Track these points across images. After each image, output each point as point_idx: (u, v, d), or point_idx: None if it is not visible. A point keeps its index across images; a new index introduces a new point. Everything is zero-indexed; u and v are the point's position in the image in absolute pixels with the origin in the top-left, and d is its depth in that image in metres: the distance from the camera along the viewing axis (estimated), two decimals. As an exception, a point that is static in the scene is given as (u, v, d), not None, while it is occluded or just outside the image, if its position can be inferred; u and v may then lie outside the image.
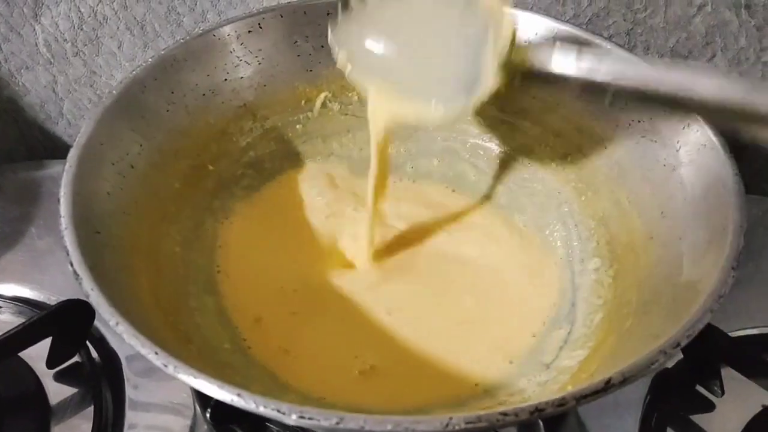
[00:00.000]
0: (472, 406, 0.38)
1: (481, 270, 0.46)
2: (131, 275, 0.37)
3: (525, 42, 0.42)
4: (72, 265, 0.32)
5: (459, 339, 0.42)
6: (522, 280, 0.46)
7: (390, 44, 0.40)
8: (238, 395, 0.27)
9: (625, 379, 0.28)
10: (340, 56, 0.42)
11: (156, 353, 0.29)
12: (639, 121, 0.43)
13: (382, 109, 0.42)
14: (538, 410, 0.27)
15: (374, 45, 0.40)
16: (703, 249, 0.36)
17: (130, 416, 0.46)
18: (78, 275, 0.32)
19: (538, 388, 0.38)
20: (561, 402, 0.27)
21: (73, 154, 0.37)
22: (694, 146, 0.39)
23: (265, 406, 0.27)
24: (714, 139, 0.38)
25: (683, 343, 0.29)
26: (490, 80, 0.39)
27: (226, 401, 0.27)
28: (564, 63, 0.39)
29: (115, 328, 0.30)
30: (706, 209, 0.37)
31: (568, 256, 0.46)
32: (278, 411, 0.27)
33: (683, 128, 0.40)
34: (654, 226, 0.40)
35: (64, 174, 0.36)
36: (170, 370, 0.28)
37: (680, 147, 0.40)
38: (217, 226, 0.47)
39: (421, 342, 0.42)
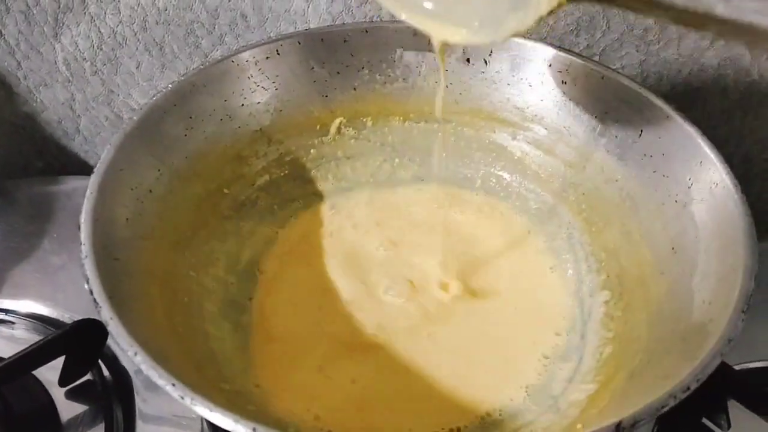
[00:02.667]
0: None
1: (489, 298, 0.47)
2: (148, 301, 0.37)
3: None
4: (92, 293, 0.33)
5: (465, 368, 0.43)
6: (532, 308, 0.46)
7: None
8: (254, 430, 0.28)
9: (636, 422, 0.28)
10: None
11: (173, 384, 0.29)
12: (651, 156, 0.43)
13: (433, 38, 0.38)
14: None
15: None
16: (713, 288, 0.36)
17: (140, 431, 0.46)
18: (97, 303, 0.32)
19: (546, 422, 0.38)
20: (571, 445, 0.27)
21: (93, 181, 0.38)
22: (706, 184, 0.40)
23: (280, 443, 0.27)
24: (726, 178, 0.39)
25: (693, 387, 0.30)
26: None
27: (241, 435, 0.28)
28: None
29: (134, 359, 0.30)
30: (717, 248, 0.37)
31: (578, 287, 0.46)
32: (293, 447, 0.27)
33: (695, 165, 0.41)
34: (665, 262, 0.41)
35: (85, 201, 0.37)
36: (187, 402, 0.29)
37: (692, 184, 0.41)
38: (231, 249, 0.48)
39: (427, 370, 0.43)
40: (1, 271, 0.55)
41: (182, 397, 0.29)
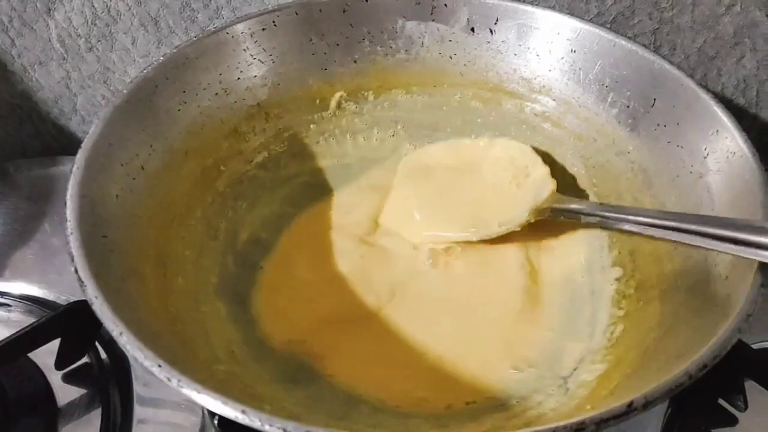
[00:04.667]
0: (486, 419, 0.37)
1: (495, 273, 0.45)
2: (138, 280, 0.36)
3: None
4: (76, 270, 0.31)
5: (471, 344, 0.41)
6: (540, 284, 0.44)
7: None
8: (243, 412, 0.26)
9: (648, 403, 0.27)
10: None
11: (159, 366, 0.28)
12: (665, 126, 0.41)
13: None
14: (555, 433, 0.26)
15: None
16: (730, 262, 0.34)
17: (139, 414, 0.45)
18: (82, 282, 0.31)
19: (554, 403, 0.36)
20: (580, 426, 0.26)
21: (81, 156, 0.37)
22: (723, 154, 0.38)
23: (270, 425, 0.26)
24: (744, 147, 0.37)
25: (710, 365, 0.28)
26: (522, 219, 0.44)
27: (230, 417, 0.27)
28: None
29: (118, 338, 0.29)
30: (735, 220, 0.36)
31: (588, 264, 0.45)
32: (283, 430, 0.26)
33: (711, 135, 0.39)
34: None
35: (71, 176, 0.35)
36: (174, 384, 0.27)
37: (708, 154, 0.39)
38: (229, 227, 0.46)
39: (434, 344, 0.41)
40: (1, 252, 0.54)
41: (169, 379, 0.27)
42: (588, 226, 0.44)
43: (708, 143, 0.39)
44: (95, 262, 0.32)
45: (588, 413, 0.26)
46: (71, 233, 0.33)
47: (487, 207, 0.46)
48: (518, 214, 0.44)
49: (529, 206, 0.44)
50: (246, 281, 0.44)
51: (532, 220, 0.44)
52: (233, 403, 0.27)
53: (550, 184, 0.44)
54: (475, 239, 0.45)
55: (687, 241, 0.35)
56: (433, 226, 0.46)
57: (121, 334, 0.29)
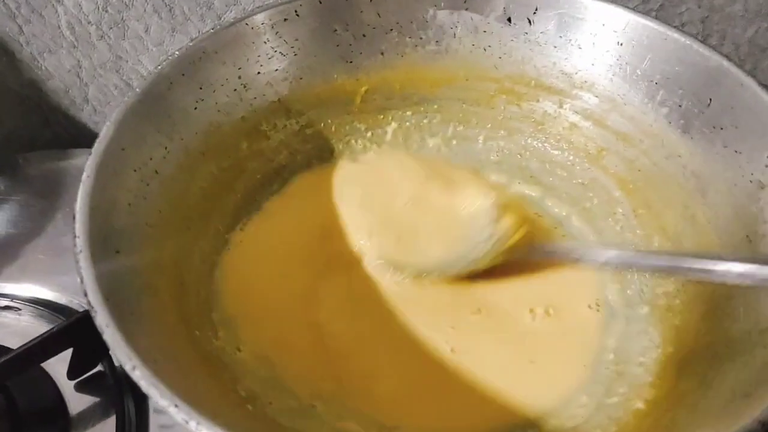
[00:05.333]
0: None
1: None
2: (154, 297, 0.34)
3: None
4: (86, 294, 0.29)
5: (508, 367, 0.39)
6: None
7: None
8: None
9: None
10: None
11: (176, 406, 0.25)
12: (721, 129, 0.38)
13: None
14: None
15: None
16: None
17: (156, 423, 0.43)
18: (93, 308, 0.28)
19: (600, 431, 0.34)
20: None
21: (91, 162, 0.34)
22: (788, 162, 0.35)
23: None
24: (814, 156, 0.33)
25: (787, 414, 0.25)
26: (486, 261, 0.40)
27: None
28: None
29: (131, 373, 0.26)
30: (803, 239, 0.33)
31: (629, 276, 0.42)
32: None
33: (775, 139, 0.35)
34: (736, 252, 0.36)
35: (81, 186, 0.33)
36: (192, 426, 0.25)
37: (771, 161, 0.36)
38: (248, 231, 0.44)
39: (467, 368, 0.39)
40: (9, 251, 0.52)
41: (186, 421, 0.25)
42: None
43: (770, 149, 0.36)
44: (107, 281, 0.30)
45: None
46: (80, 251, 0.30)
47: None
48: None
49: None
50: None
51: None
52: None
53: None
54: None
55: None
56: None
57: (134, 368, 0.26)
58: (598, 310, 0.41)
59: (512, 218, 0.39)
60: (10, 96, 0.58)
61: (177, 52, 0.39)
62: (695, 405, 0.30)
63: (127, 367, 0.26)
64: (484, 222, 0.39)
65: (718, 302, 0.35)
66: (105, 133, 0.35)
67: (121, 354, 0.27)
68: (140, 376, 0.26)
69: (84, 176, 0.33)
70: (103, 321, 0.28)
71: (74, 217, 0.32)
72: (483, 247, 0.40)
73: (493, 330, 0.40)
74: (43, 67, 0.56)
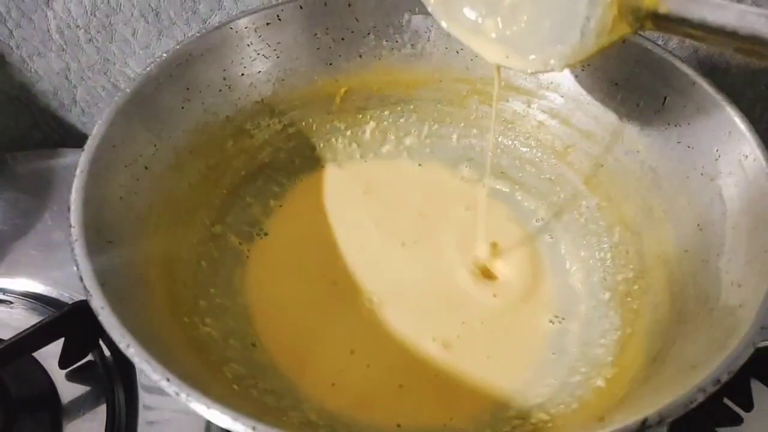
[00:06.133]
0: (499, 423, 0.37)
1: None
2: (145, 285, 0.36)
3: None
4: (82, 279, 0.31)
5: (476, 354, 0.41)
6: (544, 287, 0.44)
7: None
8: (253, 429, 0.26)
9: (662, 420, 0.26)
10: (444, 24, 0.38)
11: (168, 380, 0.28)
12: (676, 125, 0.41)
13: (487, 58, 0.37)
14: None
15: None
16: (743, 269, 0.34)
17: (145, 411, 0.45)
18: (89, 291, 0.30)
19: (563, 410, 0.36)
20: (593, 444, 0.25)
21: (84, 158, 0.36)
22: (735, 156, 0.37)
23: (281, 441, 0.26)
24: (758, 150, 0.36)
25: (724, 380, 0.28)
26: (590, 36, 0.33)
27: (240, 433, 0.26)
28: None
29: (126, 351, 0.28)
30: (747, 226, 0.35)
31: (594, 264, 0.44)
32: (295, 447, 0.26)
33: (723, 136, 0.38)
34: (689, 240, 0.38)
35: (75, 179, 0.35)
36: (183, 398, 0.27)
37: (719, 156, 0.38)
38: (235, 228, 0.46)
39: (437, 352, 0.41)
40: (2, 248, 0.54)
41: (177, 393, 0.27)
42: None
43: (719, 145, 0.38)
44: (101, 269, 0.32)
45: (601, 430, 0.26)
46: (76, 240, 0.32)
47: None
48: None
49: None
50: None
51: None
52: (244, 418, 0.26)
53: None
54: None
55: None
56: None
57: (128, 346, 0.28)
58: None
59: None
60: (0, 98, 0.60)
61: (164, 55, 0.41)
62: (648, 379, 0.33)
63: (122, 346, 0.29)
64: None
65: (672, 286, 0.38)
66: (97, 131, 0.37)
67: (116, 333, 0.29)
68: (134, 353, 0.28)
69: (78, 171, 0.35)
70: (98, 304, 0.30)
71: (69, 209, 0.34)
72: None
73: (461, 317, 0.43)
74: (32, 70, 0.58)
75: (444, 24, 0.37)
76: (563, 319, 0.42)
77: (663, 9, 0.30)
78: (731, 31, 0.29)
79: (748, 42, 0.29)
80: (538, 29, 0.34)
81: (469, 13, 0.36)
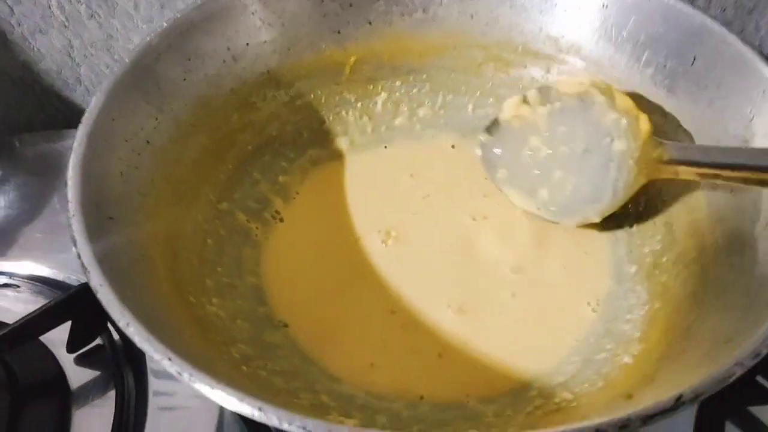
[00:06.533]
0: (520, 403, 0.35)
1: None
2: (148, 265, 0.34)
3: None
4: (79, 256, 0.29)
5: (505, 333, 0.39)
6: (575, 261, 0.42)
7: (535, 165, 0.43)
8: (259, 409, 0.24)
9: (697, 396, 0.24)
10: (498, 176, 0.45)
11: (170, 359, 0.26)
12: (706, 87, 0.38)
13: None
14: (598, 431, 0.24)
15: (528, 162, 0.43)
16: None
17: (155, 395, 0.43)
18: (86, 268, 0.29)
19: (590, 388, 0.34)
20: (625, 422, 0.23)
21: (81, 131, 0.34)
22: (771, 117, 0.35)
23: (289, 423, 0.24)
24: (795, 109, 0.34)
25: (764, 353, 0.26)
26: (620, 193, 0.40)
27: (246, 415, 0.25)
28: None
29: (125, 330, 0.27)
30: (785, 190, 0.33)
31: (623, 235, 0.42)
32: (304, 429, 0.24)
33: (758, 96, 0.36)
34: (722, 207, 0.36)
35: (72, 154, 0.33)
36: (185, 378, 0.26)
37: (753, 117, 0.36)
38: (242, 204, 0.44)
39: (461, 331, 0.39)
40: (8, 232, 0.53)
41: (179, 373, 0.26)
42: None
43: (754, 105, 0.36)
44: (100, 246, 0.30)
45: (632, 408, 0.24)
46: (73, 215, 0.31)
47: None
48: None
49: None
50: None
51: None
52: (250, 399, 0.25)
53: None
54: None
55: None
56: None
57: (127, 324, 0.27)
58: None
59: (624, 100, 0.39)
60: (2, 78, 0.59)
61: (165, 23, 0.40)
62: (679, 355, 0.31)
63: (121, 324, 0.27)
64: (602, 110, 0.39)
65: (703, 257, 0.36)
66: (94, 103, 0.36)
67: (115, 311, 0.27)
68: (134, 332, 0.27)
69: (75, 144, 0.34)
70: (96, 281, 0.28)
71: (66, 183, 0.32)
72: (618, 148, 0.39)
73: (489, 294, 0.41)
74: (35, 48, 0.56)
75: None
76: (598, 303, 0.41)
77: (666, 157, 0.38)
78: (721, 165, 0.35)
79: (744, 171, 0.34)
80: (580, 194, 0.41)
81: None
